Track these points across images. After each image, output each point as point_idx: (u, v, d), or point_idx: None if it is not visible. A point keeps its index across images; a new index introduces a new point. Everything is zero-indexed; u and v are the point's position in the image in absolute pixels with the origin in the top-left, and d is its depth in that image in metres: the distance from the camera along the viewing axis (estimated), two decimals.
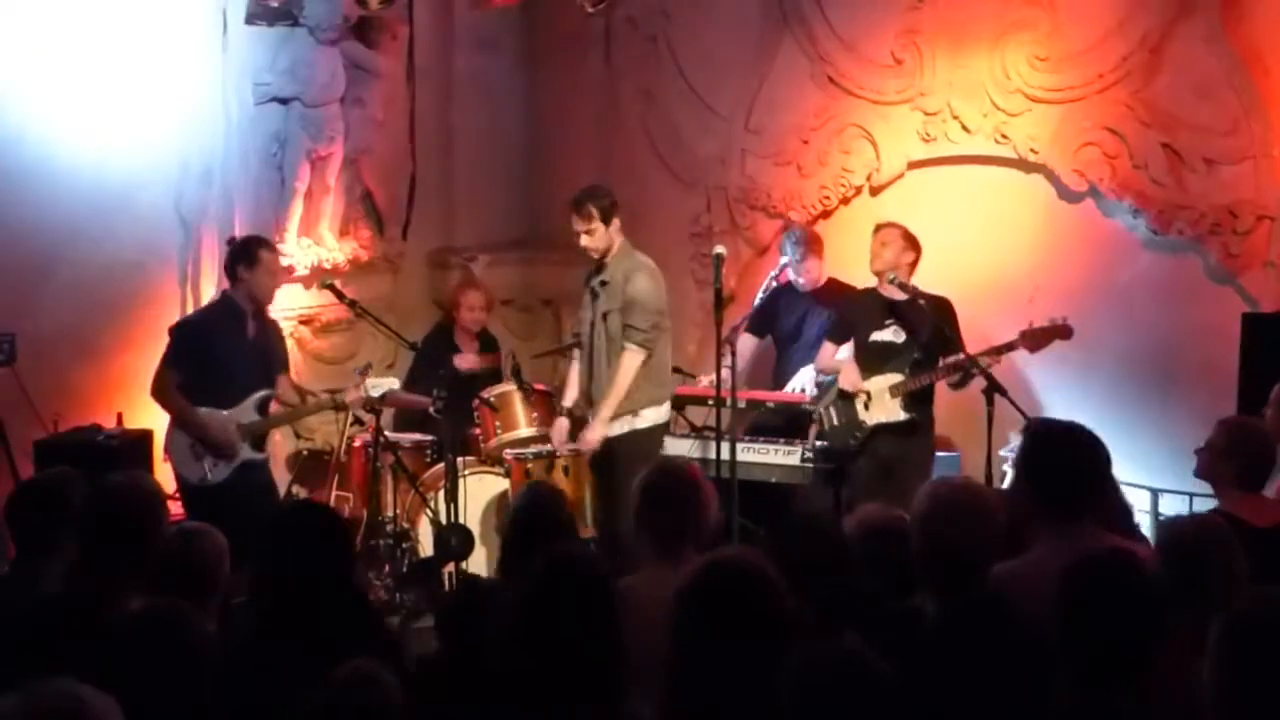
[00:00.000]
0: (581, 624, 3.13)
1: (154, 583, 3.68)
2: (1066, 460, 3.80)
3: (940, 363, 6.40)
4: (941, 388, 6.53)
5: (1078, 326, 6.32)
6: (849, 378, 6.54)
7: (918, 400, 6.47)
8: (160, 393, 6.36)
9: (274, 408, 6.52)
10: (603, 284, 6.50)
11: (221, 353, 6.32)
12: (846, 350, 6.77)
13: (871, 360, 6.55)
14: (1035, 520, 3.87)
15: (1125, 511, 4.59)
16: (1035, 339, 6.29)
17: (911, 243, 6.63)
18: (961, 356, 6.28)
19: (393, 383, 6.72)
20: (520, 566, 3.82)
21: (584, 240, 6.49)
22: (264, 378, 6.45)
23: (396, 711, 2.99)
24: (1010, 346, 6.29)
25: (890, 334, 6.55)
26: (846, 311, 6.84)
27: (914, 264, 6.63)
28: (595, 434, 6.45)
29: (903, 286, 6.49)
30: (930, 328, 6.42)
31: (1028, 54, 7.38)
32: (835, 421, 6.61)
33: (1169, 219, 7.06)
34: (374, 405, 6.71)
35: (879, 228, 6.75)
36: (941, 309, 6.52)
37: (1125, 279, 7.28)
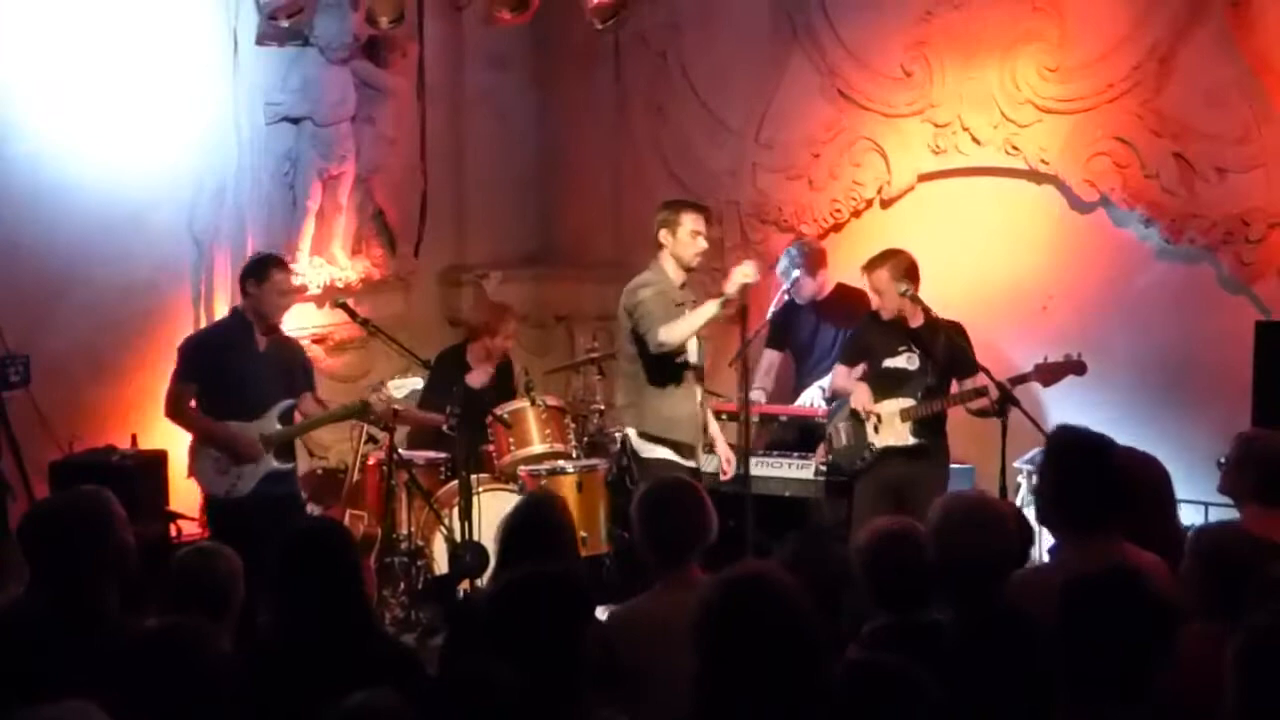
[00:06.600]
0: (546, 634, 3.08)
1: (169, 602, 3.69)
2: (1082, 469, 3.78)
3: (952, 390, 6.31)
4: (956, 413, 6.45)
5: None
6: (860, 398, 6.43)
7: (928, 427, 6.35)
8: (175, 411, 6.34)
9: (297, 417, 6.47)
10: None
11: (233, 366, 6.30)
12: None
13: (884, 386, 6.39)
14: (1054, 528, 3.86)
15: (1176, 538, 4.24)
16: (1049, 373, 6.18)
17: (902, 272, 6.30)
18: (980, 383, 6.15)
19: (416, 382, 6.60)
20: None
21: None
22: (284, 390, 6.40)
23: None
24: (1024, 379, 6.17)
25: (904, 360, 6.37)
26: (862, 336, 6.63)
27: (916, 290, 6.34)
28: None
29: (915, 301, 6.31)
30: (946, 354, 6.29)
31: (1037, 64, 7.38)
32: (845, 440, 6.53)
33: (1181, 228, 7.05)
34: (390, 420, 6.71)
35: (865, 271, 6.42)
36: (956, 333, 6.38)
37: (1138, 288, 7.26)
